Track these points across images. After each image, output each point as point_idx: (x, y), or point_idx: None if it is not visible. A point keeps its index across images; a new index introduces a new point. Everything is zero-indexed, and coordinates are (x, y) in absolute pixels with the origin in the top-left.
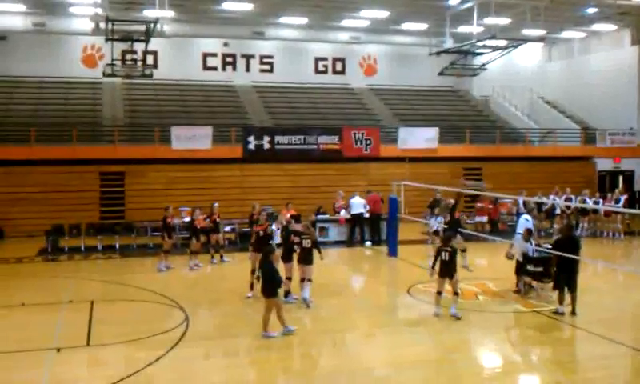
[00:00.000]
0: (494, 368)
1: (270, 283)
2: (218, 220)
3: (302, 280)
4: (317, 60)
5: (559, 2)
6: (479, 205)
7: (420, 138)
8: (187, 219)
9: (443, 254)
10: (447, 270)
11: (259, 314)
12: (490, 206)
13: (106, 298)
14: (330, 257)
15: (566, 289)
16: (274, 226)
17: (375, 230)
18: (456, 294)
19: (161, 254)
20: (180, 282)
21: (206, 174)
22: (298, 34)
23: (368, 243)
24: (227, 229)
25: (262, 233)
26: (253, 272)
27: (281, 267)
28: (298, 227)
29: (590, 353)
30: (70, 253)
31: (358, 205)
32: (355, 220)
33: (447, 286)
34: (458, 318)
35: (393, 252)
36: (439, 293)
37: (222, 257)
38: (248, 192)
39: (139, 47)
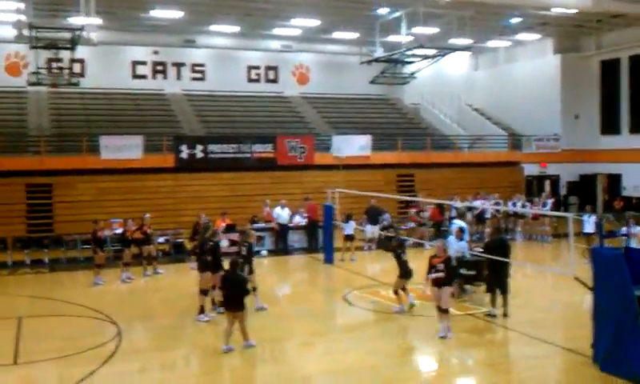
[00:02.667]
0: (429, 372)
1: (241, 295)
2: (149, 231)
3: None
4: (249, 68)
5: (484, 12)
6: (412, 211)
7: (353, 146)
8: (119, 231)
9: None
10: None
11: (195, 327)
12: (427, 211)
13: (35, 313)
14: (265, 265)
15: (497, 291)
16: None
17: (313, 237)
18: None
19: (94, 269)
20: (112, 295)
21: (138, 184)
22: (229, 42)
23: (264, 252)
24: (160, 240)
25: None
26: (205, 293)
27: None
28: (233, 236)
29: (523, 353)
30: None
31: (281, 215)
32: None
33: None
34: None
35: (329, 259)
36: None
37: (155, 269)
38: (181, 202)
39: (65, 55)
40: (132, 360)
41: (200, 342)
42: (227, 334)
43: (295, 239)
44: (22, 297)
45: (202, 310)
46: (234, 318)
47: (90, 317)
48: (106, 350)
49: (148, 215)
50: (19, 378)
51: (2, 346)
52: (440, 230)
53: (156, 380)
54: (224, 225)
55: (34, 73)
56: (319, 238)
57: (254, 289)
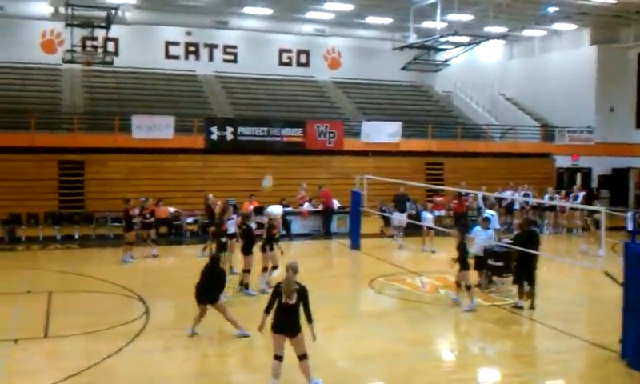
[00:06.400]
0: (453, 361)
1: (218, 288)
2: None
3: (266, 269)
4: (281, 51)
5: (521, 0)
6: (437, 199)
7: (383, 133)
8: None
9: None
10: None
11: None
12: (455, 201)
13: (65, 288)
14: (293, 249)
15: (525, 283)
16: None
17: (327, 224)
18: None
19: (124, 246)
20: (141, 273)
21: (168, 164)
22: (262, 25)
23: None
24: (189, 220)
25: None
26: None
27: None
28: (261, 219)
29: (549, 346)
30: (28, 243)
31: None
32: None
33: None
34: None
35: (355, 245)
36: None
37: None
38: (210, 183)
39: (100, 34)
40: (157, 338)
41: (223, 323)
42: (196, 320)
43: (310, 225)
44: (52, 272)
45: None
46: (208, 309)
47: (119, 293)
48: (134, 327)
49: (211, 195)
50: (49, 352)
51: (34, 319)
52: (460, 221)
53: (180, 359)
54: (252, 207)
55: (68, 51)
56: (331, 224)
57: (275, 267)
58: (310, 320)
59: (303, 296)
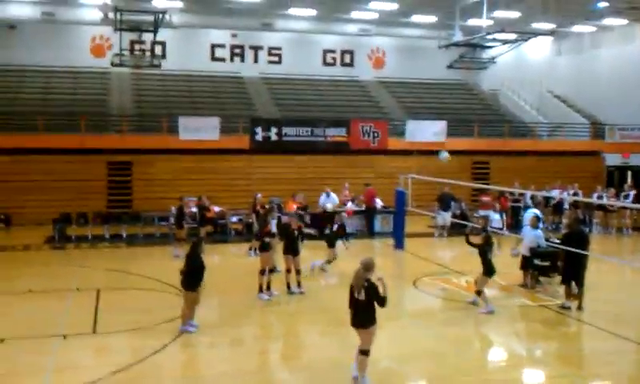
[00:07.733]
0: (499, 361)
1: (197, 275)
2: (260, 210)
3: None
4: (325, 52)
5: None
6: (484, 199)
7: (428, 132)
8: (194, 209)
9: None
10: None
11: (265, 305)
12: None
13: (113, 286)
14: (336, 249)
15: (573, 283)
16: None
17: (370, 223)
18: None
19: (174, 242)
20: None
21: (214, 165)
22: (306, 26)
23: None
24: (234, 219)
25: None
26: (264, 272)
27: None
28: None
29: (596, 348)
30: (77, 241)
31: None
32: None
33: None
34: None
35: (400, 245)
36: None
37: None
38: (255, 183)
39: (148, 37)
40: (202, 335)
41: (265, 321)
42: (184, 315)
43: (354, 224)
44: (100, 270)
45: (261, 289)
46: (192, 298)
47: (165, 291)
48: (179, 324)
49: (260, 195)
50: (97, 347)
51: (83, 315)
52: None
53: (225, 356)
54: (295, 207)
55: (117, 54)
56: (374, 223)
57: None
58: (381, 304)
59: (370, 292)
